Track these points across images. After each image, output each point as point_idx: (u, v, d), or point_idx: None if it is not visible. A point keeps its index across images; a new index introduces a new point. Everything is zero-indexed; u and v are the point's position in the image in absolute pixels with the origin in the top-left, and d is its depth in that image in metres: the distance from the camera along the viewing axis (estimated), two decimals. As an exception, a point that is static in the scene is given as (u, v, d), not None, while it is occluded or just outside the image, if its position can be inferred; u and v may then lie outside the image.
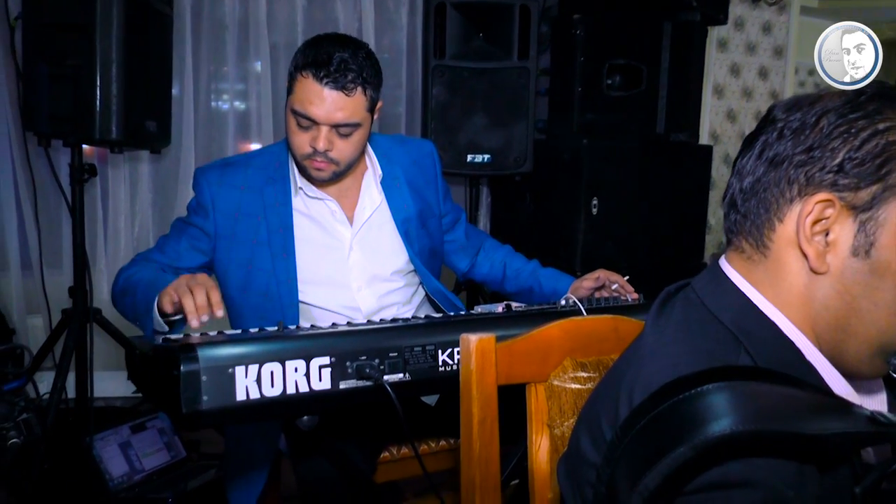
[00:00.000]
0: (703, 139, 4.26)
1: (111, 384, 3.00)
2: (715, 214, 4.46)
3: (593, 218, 3.06)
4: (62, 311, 2.56)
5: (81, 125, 2.29)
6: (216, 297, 1.40)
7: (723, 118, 4.54)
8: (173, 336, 1.34)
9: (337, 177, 1.76)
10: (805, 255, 0.78)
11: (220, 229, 1.75)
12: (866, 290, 0.76)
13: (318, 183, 1.78)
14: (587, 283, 1.83)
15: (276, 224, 1.75)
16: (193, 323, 1.37)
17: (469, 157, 2.97)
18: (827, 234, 0.77)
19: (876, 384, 0.87)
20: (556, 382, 1.12)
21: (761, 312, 0.80)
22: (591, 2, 3.19)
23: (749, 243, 0.82)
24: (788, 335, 0.79)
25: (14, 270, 2.92)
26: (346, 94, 1.64)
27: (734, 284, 0.83)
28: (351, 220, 1.82)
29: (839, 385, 0.80)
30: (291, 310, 1.76)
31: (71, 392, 2.56)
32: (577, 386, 1.12)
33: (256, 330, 1.38)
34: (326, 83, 1.62)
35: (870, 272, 0.76)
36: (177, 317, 1.49)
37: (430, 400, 1.88)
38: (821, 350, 0.80)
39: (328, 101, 1.63)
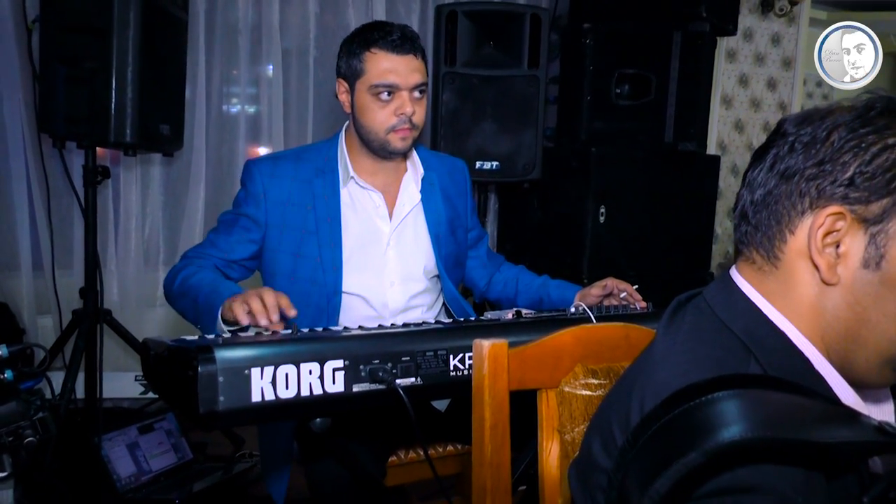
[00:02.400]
0: (711, 149, 4.28)
1: (119, 385, 3.02)
2: (722, 224, 4.46)
3: (600, 226, 3.07)
4: (72, 312, 2.58)
5: (96, 127, 2.31)
6: (286, 300, 1.45)
7: (731, 128, 4.55)
8: (188, 337, 1.35)
9: (411, 146, 1.86)
10: (816, 267, 0.79)
11: (271, 218, 1.80)
12: (876, 301, 0.78)
13: (386, 159, 1.85)
14: (595, 290, 1.84)
15: (324, 214, 1.81)
16: (262, 322, 1.41)
17: (478, 164, 2.98)
18: (838, 247, 0.78)
19: (883, 394, 0.88)
20: (567, 389, 1.14)
21: (771, 322, 0.81)
22: (600, 11, 3.21)
23: (760, 254, 0.84)
24: (798, 345, 0.80)
25: (25, 270, 2.93)
26: (415, 57, 1.77)
27: (745, 294, 0.84)
28: (391, 215, 1.88)
29: (847, 394, 0.81)
30: (335, 298, 1.80)
31: (79, 392, 2.58)
32: (588, 392, 1.13)
33: (270, 333, 1.40)
34: (398, 51, 1.75)
35: (880, 284, 0.77)
36: (237, 327, 1.50)
37: (441, 405, 1.90)
38: (830, 360, 0.81)
39: (404, 66, 1.75)
